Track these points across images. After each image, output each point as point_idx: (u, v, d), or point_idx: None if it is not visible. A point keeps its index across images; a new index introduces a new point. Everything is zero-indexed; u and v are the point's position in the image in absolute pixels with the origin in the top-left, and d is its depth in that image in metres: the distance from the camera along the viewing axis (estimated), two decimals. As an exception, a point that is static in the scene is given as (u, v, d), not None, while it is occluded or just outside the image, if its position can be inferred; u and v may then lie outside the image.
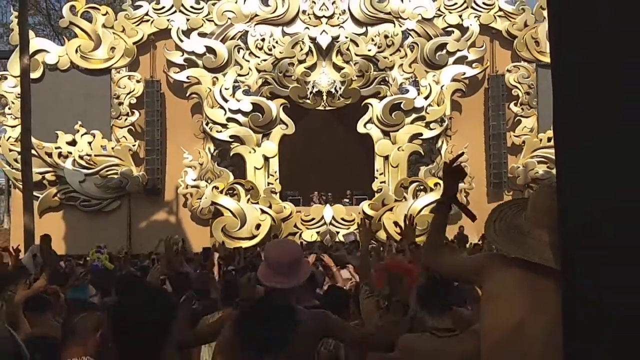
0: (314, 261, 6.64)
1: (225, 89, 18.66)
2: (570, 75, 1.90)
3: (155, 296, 2.05)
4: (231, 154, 18.91)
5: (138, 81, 18.91)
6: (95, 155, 18.92)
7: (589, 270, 1.82)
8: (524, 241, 2.26)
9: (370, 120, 18.81)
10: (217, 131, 18.64)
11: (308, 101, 18.66)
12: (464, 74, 18.90)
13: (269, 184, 18.56)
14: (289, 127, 18.73)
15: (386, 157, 18.75)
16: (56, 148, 18.88)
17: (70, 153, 18.90)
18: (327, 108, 18.84)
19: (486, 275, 2.32)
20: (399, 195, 18.29)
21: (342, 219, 18.26)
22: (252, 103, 18.55)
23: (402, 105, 18.62)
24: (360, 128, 18.87)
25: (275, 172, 18.66)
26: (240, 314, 2.31)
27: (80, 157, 18.89)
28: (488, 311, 2.29)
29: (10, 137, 18.93)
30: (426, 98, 18.73)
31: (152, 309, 1.96)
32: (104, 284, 6.34)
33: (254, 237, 18.00)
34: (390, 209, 18.19)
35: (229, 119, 18.63)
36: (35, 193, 16.26)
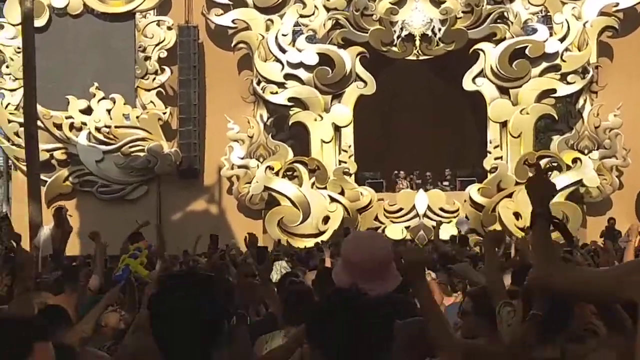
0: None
1: (283, 35, 18.30)
2: None
3: (205, 286, 2.14)
4: (290, 123, 18.58)
5: (169, 28, 18.67)
6: (115, 127, 18.61)
7: None
8: None
9: (481, 73, 18.10)
10: (272, 92, 18.26)
11: (395, 49, 18.07)
12: (617, 4, 17.99)
13: (340, 162, 18.22)
14: (369, 84, 18.17)
15: (504, 124, 18.15)
16: (67, 118, 18.61)
17: (85, 124, 18.62)
18: (421, 57, 18.28)
19: None
20: (522, 176, 17.25)
21: (442, 209, 17.64)
22: (318, 54, 18.10)
23: (527, 51, 17.91)
24: (468, 84, 18.17)
25: (350, 146, 18.30)
26: (316, 309, 2.29)
27: (97, 130, 18.59)
28: None
29: (9, 104, 18.65)
30: (562, 40, 17.99)
31: (201, 302, 2.05)
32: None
33: (320, 233, 17.50)
34: (509, 195, 17.61)
35: (288, 76, 18.22)
36: (42, 176, 16.21)
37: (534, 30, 18.04)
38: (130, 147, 18.47)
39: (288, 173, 18.05)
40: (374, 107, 18.39)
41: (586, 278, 2.48)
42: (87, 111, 18.61)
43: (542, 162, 17.36)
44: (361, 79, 18.08)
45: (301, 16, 18.18)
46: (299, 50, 18.07)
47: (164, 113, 18.54)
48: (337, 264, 3.09)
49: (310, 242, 16.35)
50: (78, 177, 18.61)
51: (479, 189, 17.74)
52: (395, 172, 18.46)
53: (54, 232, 12.19)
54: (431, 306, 2.77)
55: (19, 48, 16.62)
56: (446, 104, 18.89)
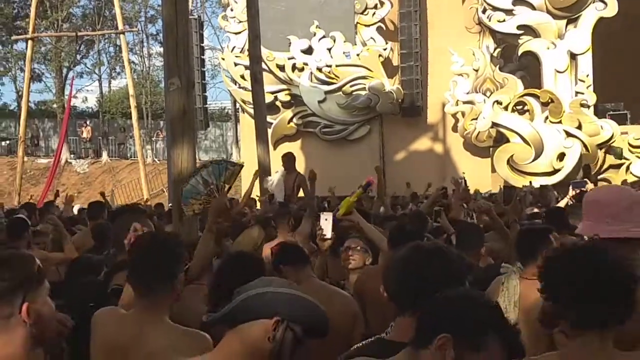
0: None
1: (512, -43, 17.79)
2: None
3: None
4: (519, 53, 17.94)
5: (388, -43, 18.58)
6: (336, 66, 18.69)
7: None
8: None
9: None
10: (499, 21, 17.73)
11: (643, -41, 17.12)
12: None
13: (577, 93, 17.46)
14: (609, 5, 17.24)
15: None
16: (289, 59, 18.95)
17: (306, 64, 18.88)
18: (677, -33, 17.22)
19: None
20: None
21: (698, 143, 16.72)
22: (552, -27, 17.47)
23: None
24: None
25: (588, 75, 17.43)
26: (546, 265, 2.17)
27: (319, 69, 18.79)
28: None
29: (234, 47, 19.27)
30: None
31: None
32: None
33: (555, 171, 17.01)
34: None
35: (517, 2, 17.60)
36: (267, 118, 16.57)
37: None
38: (352, 85, 18.49)
39: (518, 107, 17.47)
40: (616, 30, 17.45)
41: None
42: (308, 51, 18.80)
43: None
44: (601, 0, 17.14)
45: None
46: (531, -29, 17.24)
47: (385, 49, 18.38)
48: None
49: (543, 181, 15.66)
50: (301, 118, 18.98)
51: None
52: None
53: (285, 177, 12.28)
54: None
55: (241, -9, 16.97)
56: None
